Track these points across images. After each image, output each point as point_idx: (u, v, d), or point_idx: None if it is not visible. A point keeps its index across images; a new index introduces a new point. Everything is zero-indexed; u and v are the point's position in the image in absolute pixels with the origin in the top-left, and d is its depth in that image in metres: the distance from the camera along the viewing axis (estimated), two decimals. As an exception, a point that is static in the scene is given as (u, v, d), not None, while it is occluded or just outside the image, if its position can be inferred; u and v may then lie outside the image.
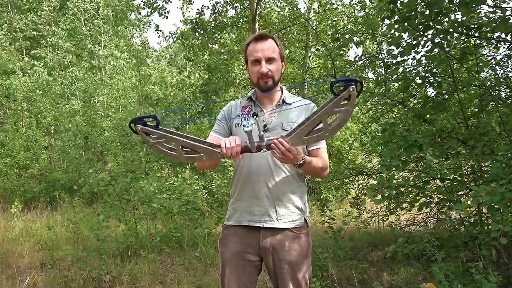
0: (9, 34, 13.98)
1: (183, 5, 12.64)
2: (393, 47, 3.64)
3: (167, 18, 10.29)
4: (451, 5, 3.04)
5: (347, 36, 4.04)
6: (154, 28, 14.21)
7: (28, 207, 9.02)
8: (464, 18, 3.15)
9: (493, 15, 3.41)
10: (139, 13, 17.37)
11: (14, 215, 7.36)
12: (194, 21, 9.92)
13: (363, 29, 4.97)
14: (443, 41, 3.17)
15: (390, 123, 3.41)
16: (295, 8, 9.93)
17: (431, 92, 3.89)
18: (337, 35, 4.11)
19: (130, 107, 12.12)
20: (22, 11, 15.53)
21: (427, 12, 3.12)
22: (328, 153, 1.93)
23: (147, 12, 10.29)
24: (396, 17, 3.29)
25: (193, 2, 10.62)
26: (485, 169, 3.44)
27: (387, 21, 3.63)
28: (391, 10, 3.26)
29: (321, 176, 1.85)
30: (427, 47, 3.32)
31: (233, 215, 1.83)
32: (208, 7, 9.97)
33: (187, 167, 7.50)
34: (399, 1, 3.22)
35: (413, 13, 3.11)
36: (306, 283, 1.80)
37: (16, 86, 12.33)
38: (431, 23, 3.10)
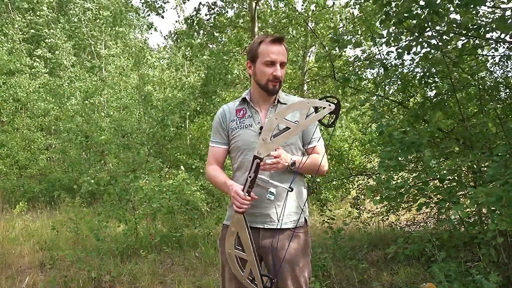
0: (10, 35, 13.95)
1: (176, 6, 12.62)
2: (392, 48, 3.64)
3: (163, 17, 10.28)
4: (450, 5, 3.05)
5: (345, 37, 4.04)
6: (151, 27, 14.21)
7: (28, 207, 9.03)
8: (462, 19, 3.15)
9: (492, 15, 3.42)
10: (138, 14, 17.36)
11: (16, 215, 7.37)
12: (190, 20, 9.88)
13: (362, 29, 4.97)
14: (439, 43, 3.17)
15: (386, 124, 3.41)
16: (292, 10, 9.92)
17: (430, 92, 3.89)
18: (335, 36, 4.11)
19: (132, 108, 12.13)
20: (21, 12, 15.50)
21: (424, 14, 3.12)
22: (328, 153, 1.94)
23: (144, 10, 10.26)
24: (392, 19, 3.29)
25: (186, 1, 10.57)
26: (485, 169, 3.44)
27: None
28: (385, 13, 3.26)
29: (319, 172, 1.85)
30: (425, 47, 3.33)
31: (232, 216, 1.83)
32: (204, 5, 9.90)
33: (182, 168, 7.49)
34: (394, 3, 3.22)
35: (408, 14, 3.11)
36: (305, 281, 1.81)
37: (20, 85, 12.30)
38: (426, 25, 3.10)
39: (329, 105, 1.42)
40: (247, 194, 1.61)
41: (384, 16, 3.30)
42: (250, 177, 1.59)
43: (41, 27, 14.37)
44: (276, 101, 1.83)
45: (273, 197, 1.61)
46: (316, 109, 1.47)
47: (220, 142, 1.88)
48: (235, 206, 1.64)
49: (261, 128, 1.77)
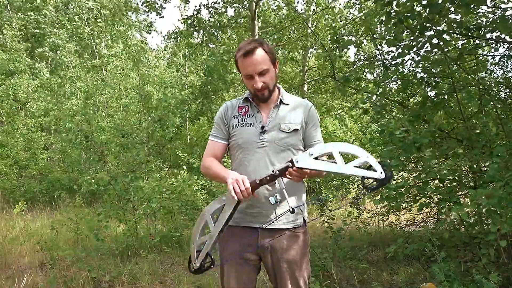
0: (10, 33, 13.92)
1: (180, 4, 12.64)
2: (391, 48, 3.64)
3: (163, 17, 10.28)
4: (450, 6, 3.04)
5: (346, 37, 4.04)
6: (151, 27, 14.20)
7: (28, 207, 9.02)
8: (463, 19, 3.15)
9: (492, 15, 3.42)
10: (137, 12, 17.38)
11: (16, 215, 7.36)
12: (190, 19, 9.88)
13: (362, 30, 4.98)
14: (440, 42, 3.17)
15: (387, 123, 3.41)
16: (292, 11, 9.92)
17: (430, 92, 3.89)
18: (336, 36, 4.10)
19: (132, 107, 12.12)
20: (22, 11, 15.49)
21: (425, 14, 3.12)
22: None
23: (144, 10, 10.28)
24: (393, 19, 3.29)
25: (189, 1, 10.59)
26: (485, 169, 3.44)
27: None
28: (387, 13, 3.26)
29: (321, 175, 1.86)
30: (426, 47, 3.33)
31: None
32: (205, 5, 9.88)
33: (184, 167, 7.50)
34: (395, 2, 3.21)
35: (410, 14, 3.11)
36: (305, 281, 1.81)
37: (19, 85, 12.28)
38: (428, 24, 3.10)
39: (381, 173, 1.43)
40: (258, 182, 1.59)
41: (385, 16, 3.30)
42: (274, 172, 1.58)
43: (44, 26, 14.37)
44: (279, 102, 1.83)
45: (274, 202, 1.58)
46: (368, 167, 1.48)
47: (220, 137, 1.87)
48: (235, 189, 1.57)
49: (262, 127, 1.77)
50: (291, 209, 1.58)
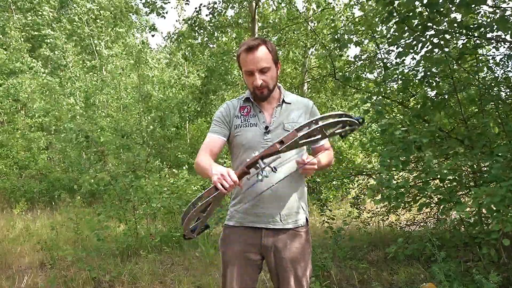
0: (10, 33, 13.92)
1: (177, 5, 12.66)
2: (392, 47, 3.64)
3: (164, 18, 10.25)
4: (451, 5, 3.04)
5: (346, 36, 4.04)
6: (154, 29, 14.21)
7: (28, 207, 9.03)
8: (463, 19, 3.15)
9: (493, 15, 3.41)
10: (138, 14, 17.38)
11: (15, 215, 7.37)
12: (191, 20, 9.87)
13: (362, 29, 4.97)
14: (441, 42, 3.17)
15: (388, 123, 3.40)
16: (293, 9, 9.91)
17: (430, 92, 3.89)
18: (336, 35, 4.10)
19: (131, 107, 12.12)
20: (22, 12, 15.50)
21: (426, 13, 3.11)
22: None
23: (146, 11, 10.29)
24: (394, 18, 3.29)
25: (188, 3, 10.60)
26: (485, 169, 3.43)
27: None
28: (389, 12, 3.26)
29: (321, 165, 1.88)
30: (427, 47, 3.32)
31: (234, 216, 1.82)
32: (205, 5, 9.88)
33: (185, 167, 7.50)
34: (397, 2, 3.21)
35: (411, 13, 3.11)
36: (307, 280, 1.81)
37: (21, 85, 12.28)
38: (429, 24, 3.09)
39: (357, 120, 1.52)
40: (245, 168, 1.52)
41: (386, 15, 3.30)
42: (261, 162, 1.50)
43: (42, 27, 14.37)
44: (281, 101, 1.82)
45: (261, 178, 1.49)
46: (344, 125, 1.52)
47: (221, 133, 1.82)
48: (222, 185, 1.47)
49: (266, 127, 1.77)
50: (273, 169, 1.50)
